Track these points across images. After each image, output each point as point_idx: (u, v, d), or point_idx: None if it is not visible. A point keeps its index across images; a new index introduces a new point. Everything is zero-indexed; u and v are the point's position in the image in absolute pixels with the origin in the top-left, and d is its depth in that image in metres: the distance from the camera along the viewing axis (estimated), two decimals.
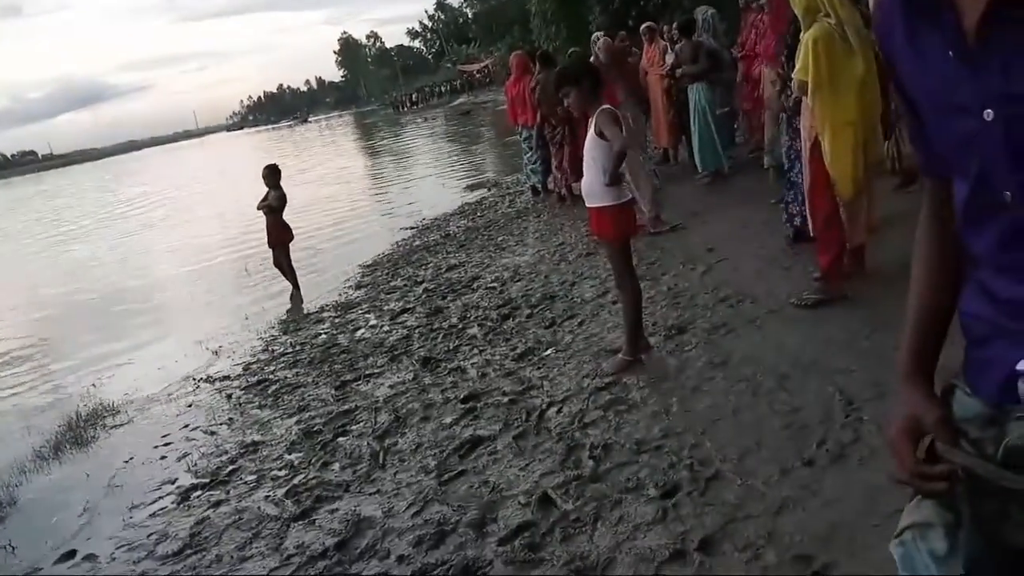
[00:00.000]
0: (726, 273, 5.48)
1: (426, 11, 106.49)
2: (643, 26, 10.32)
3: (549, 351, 4.86)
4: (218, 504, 3.89)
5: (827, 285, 4.46)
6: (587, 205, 4.28)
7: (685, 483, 3.03)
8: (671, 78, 9.07)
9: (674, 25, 9.67)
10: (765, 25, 7.12)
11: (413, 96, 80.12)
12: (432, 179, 17.58)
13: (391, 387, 4.94)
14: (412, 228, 11.04)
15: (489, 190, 13.24)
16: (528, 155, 10.61)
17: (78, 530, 4.05)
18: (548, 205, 10.04)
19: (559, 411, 3.97)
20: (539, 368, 4.64)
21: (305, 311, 7.66)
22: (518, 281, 6.70)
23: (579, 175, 4.59)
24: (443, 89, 74.75)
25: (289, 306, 8.13)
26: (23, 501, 4.65)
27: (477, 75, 66.58)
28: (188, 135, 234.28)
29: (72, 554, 3.79)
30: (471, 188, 14.20)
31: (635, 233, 4.48)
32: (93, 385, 6.60)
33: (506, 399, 4.28)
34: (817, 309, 4.38)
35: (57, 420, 5.77)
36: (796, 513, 2.69)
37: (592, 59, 8.31)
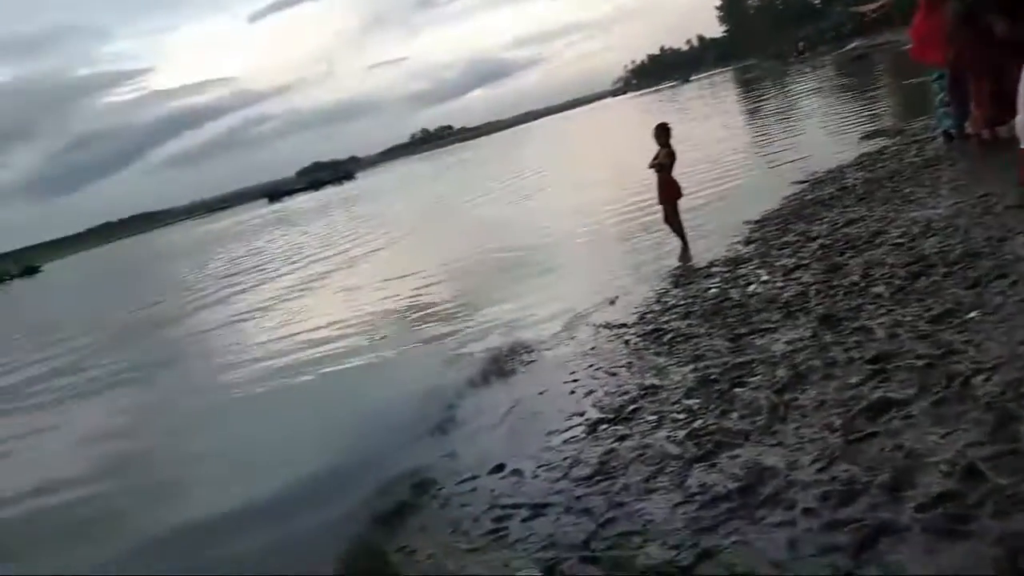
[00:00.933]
0: None
1: None
2: None
3: (974, 314, 4.35)
4: (623, 438, 4.21)
5: None
6: (1021, 147, 3.72)
7: None
8: None
9: None
10: None
11: (799, 45, 75.66)
12: (823, 130, 16.51)
13: (787, 343, 4.84)
14: (803, 182, 10.55)
15: (891, 138, 12.07)
16: (940, 97, 9.49)
17: (504, 448, 4.66)
18: (965, 151, 8.88)
19: (988, 379, 3.56)
20: (960, 332, 4.18)
21: (694, 266, 7.80)
22: (931, 236, 6.06)
23: (1005, 114, 3.99)
24: (833, 34, 69.34)
25: (679, 261, 8.34)
26: (460, 419, 5.47)
27: (873, 15, 60.33)
28: (577, 103, 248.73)
29: (501, 467, 4.39)
30: (868, 137, 13.08)
31: None
32: (509, 324, 7.51)
33: (921, 362, 3.95)
34: None
35: (484, 354, 6.71)
36: None
37: None
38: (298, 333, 9.98)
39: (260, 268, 20.28)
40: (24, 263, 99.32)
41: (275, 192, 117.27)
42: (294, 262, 19.07)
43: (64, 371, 12.26)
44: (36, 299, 39.70)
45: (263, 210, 75.64)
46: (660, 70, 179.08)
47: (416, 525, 4.06)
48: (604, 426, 4.45)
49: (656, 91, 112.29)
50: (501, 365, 6.27)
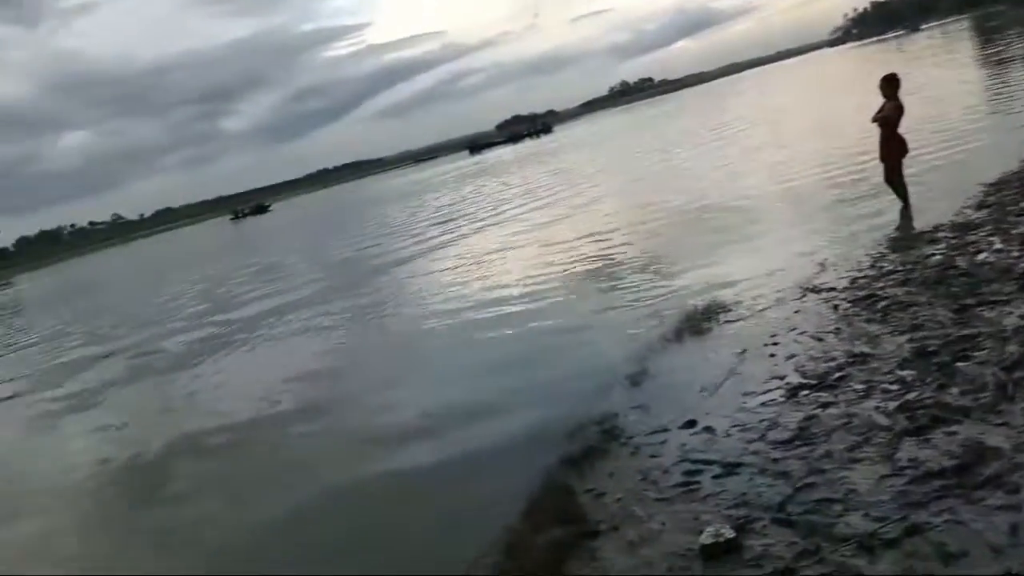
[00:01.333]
0: None
1: None
2: None
3: None
4: (826, 405, 4.05)
5: None
6: None
7: None
8: None
9: None
10: None
11: None
12: None
13: (1022, 317, 4.42)
14: None
15: None
16: None
17: (697, 405, 4.62)
18: None
19: None
20: None
21: (916, 230, 7.24)
22: None
23: None
24: None
25: (899, 224, 7.75)
26: (652, 373, 5.46)
27: None
28: (789, 53, 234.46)
29: (693, 423, 4.37)
30: None
31: None
32: (708, 284, 7.33)
33: None
34: None
35: (679, 312, 6.62)
36: None
37: None
38: (502, 285, 10.16)
39: (467, 217, 20.95)
40: (256, 202, 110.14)
41: (476, 144, 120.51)
42: (499, 213, 19.53)
43: (284, 310, 13.12)
44: (265, 237, 43.68)
45: (464, 161, 78.12)
46: (885, 18, 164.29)
47: (605, 470, 4.15)
48: (806, 391, 4.31)
49: (880, 41, 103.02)
50: (696, 324, 6.17)
